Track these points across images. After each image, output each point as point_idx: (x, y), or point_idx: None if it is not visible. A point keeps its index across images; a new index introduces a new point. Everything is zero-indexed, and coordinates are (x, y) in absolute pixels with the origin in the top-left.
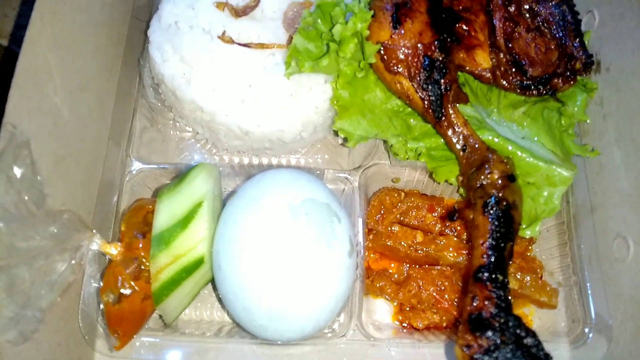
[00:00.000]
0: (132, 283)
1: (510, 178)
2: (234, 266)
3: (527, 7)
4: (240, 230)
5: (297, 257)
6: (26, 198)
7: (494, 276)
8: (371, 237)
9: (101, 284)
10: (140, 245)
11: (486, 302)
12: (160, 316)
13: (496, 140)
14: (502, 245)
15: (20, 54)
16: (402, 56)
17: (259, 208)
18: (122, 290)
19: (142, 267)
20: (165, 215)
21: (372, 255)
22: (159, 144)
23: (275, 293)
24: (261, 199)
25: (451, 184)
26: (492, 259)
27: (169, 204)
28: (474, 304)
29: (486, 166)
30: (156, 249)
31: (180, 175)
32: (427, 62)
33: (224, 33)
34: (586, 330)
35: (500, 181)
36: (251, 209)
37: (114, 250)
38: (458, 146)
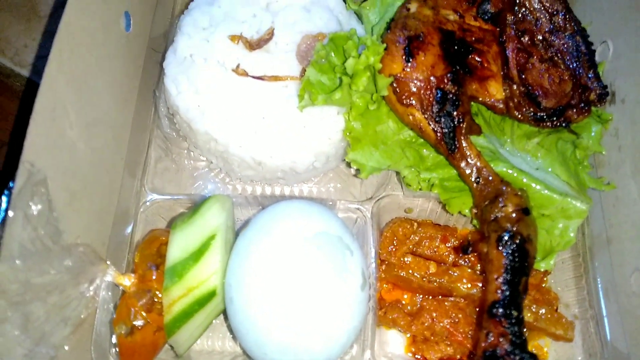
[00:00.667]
0: (145, 315)
1: (524, 211)
2: (245, 299)
3: (540, 37)
4: (252, 263)
5: (309, 291)
6: (42, 233)
7: (508, 312)
8: (384, 267)
9: (114, 315)
10: (154, 277)
11: (501, 339)
12: (172, 347)
13: (510, 171)
14: (517, 280)
15: (39, 91)
16: (414, 89)
17: (270, 241)
18: (134, 322)
19: (155, 299)
20: (178, 247)
21: (384, 285)
22: (173, 174)
23: (286, 327)
24: (273, 231)
25: (465, 215)
26: (507, 294)
27: (182, 236)
28: (489, 341)
29: (500, 199)
30: (169, 282)
31: (194, 206)
32: (439, 95)
33: (238, 66)
34: None
35: (514, 214)
36: (263, 241)
37: (127, 281)
38: (472, 178)
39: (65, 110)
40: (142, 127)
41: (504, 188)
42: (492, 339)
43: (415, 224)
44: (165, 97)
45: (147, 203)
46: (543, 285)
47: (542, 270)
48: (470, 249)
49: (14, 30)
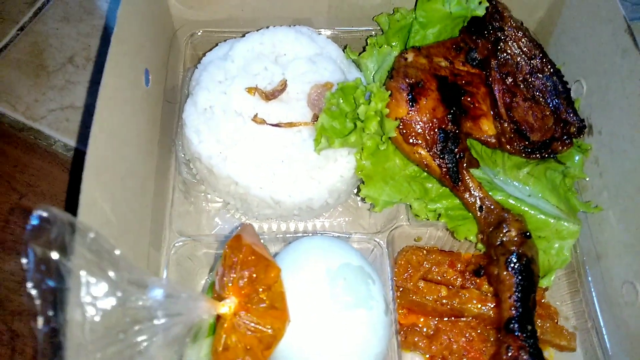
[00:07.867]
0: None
1: (526, 235)
2: None
3: (521, 78)
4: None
5: (339, 320)
6: None
7: (523, 326)
8: (399, 294)
9: None
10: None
11: (520, 351)
12: None
13: (507, 199)
14: (527, 297)
15: (88, 149)
16: (419, 129)
17: (299, 275)
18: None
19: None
20: None
21: (400, 311)
22: (193, 216)
23: (321, 356)
24: (300, 266)
25: (470, 241)
26: (521, 310)
27: None
28: (509, 354)
29: (504, 225)
30: None
31: None
32: (442, 135)
33: (256, 115)
34: None
35: (517, 238)
36: (292, 276)
37: (226, 308)
38: (475, 207)
39: (106, 166)
40: (164, 175)
41: (506, 215)
42: (512, 351)
43: (425, 251)
44: (184, 145)
45: (177, 245)
46: (543, 300)
47: (542, 287)
48: (482, 272)
49: (24, 86)
